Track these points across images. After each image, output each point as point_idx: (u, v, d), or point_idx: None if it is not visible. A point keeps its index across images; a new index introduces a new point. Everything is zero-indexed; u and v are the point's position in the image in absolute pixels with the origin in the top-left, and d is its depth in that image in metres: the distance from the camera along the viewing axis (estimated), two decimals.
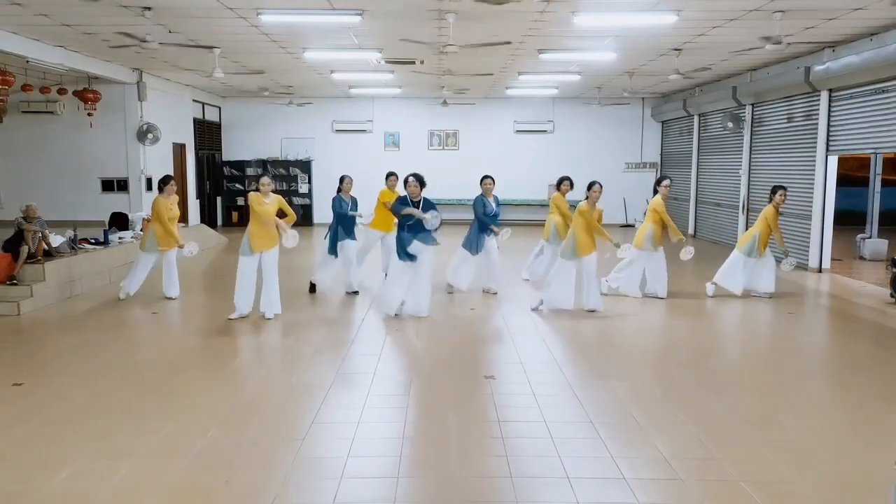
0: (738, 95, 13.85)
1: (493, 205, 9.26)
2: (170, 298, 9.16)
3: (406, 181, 8.04)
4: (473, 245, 9.24)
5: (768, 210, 9.19)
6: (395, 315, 8.03)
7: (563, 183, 9.96)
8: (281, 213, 8.11)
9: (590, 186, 8.39)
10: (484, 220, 9.18)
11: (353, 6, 8.31)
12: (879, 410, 5.29)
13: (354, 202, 9.45)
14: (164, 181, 9.36)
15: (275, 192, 8.09)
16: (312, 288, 9.58)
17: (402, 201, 8.03)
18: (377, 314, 8.33)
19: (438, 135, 19.56)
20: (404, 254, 7.89)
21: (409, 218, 7.86)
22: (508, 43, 8.83)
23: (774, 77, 12.61)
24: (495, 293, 9.40)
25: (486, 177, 9.30)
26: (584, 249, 8.20)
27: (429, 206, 7.92)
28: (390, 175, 10.18)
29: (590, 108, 18.33)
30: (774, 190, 9.28)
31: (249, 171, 18.78)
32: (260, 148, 19.20)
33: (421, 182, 7.95)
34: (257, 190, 7.94)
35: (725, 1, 8.11)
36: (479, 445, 4.52)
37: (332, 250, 9.35)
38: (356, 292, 9.46)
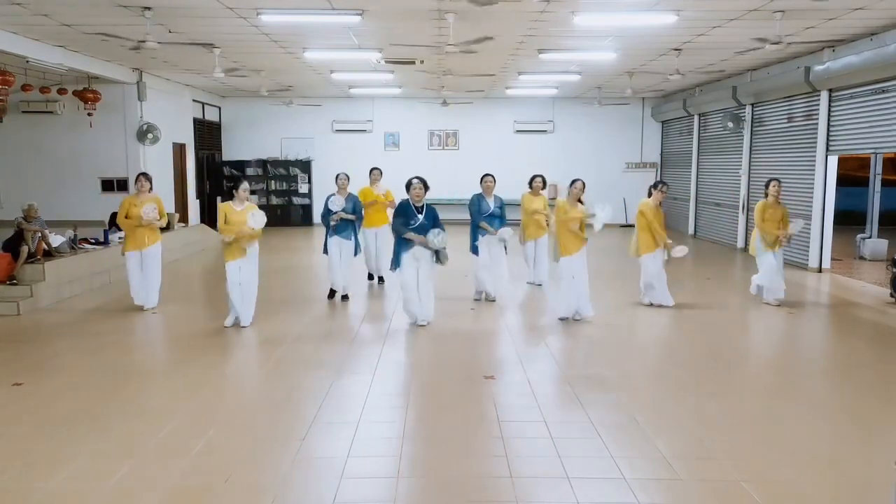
0: (738, 95, 13.85)
1: (492, 204, 8.98)
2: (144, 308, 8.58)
3: (409, 184, 7.59)
4: (471, 245, 9.00)
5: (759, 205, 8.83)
6: (416, 323, 7.69)
7: (535, 180, 9.89)
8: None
9: (571, 183, 8.00)
10: (476, 217, 8.95)
11: (353, 6, 8.31)
12: (879, 410, 5.30)
13: (353, 200, 9.09)
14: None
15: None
16: (343, 296, 9.17)
17: (402, 211, 7.60)
18: (376, 315, 8.33)
19: (438, 135, 19.56)
20: (396, 262, 7.59)
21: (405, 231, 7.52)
22: (490, 38, 8.50)
23: (774, 77, 12.61)
24: (493, 300, 8.98)
25: (486, 175, 9.06)
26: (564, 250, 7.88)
27: (431, 214, 7.55)
28: (373, 170, 10.18)
29: (590, 107, 18.32)
30: (768, 183, 8.91)
31: (249, 171, 18.77)
32: (260, 148, 19.19)
33: (425, 185, 7.60)
34: (232, 198, 7.64)
35: (725, 1, 8.12)
36: (479, 445, 4.52)
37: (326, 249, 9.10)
38: (344, 295, 9.15)
